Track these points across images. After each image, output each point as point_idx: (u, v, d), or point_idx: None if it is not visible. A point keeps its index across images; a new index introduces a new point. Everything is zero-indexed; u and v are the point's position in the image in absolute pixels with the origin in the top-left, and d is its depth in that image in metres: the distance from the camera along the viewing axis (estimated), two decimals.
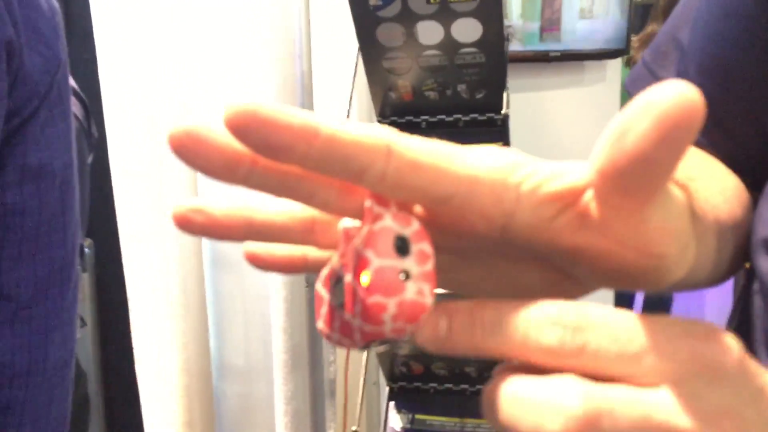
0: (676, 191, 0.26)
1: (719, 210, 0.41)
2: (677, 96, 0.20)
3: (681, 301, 2.07)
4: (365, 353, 1.20)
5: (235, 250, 1.62)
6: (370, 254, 0.23)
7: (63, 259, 0.65)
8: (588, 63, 1.82)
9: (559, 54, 1.67)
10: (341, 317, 0.25)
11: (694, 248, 0.28)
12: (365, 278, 0.23)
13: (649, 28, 2.71)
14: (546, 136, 1.85)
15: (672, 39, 0.55)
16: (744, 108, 0.50)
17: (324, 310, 0.26)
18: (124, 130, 1.40)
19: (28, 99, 0.60)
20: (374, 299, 0.23)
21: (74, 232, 0.66)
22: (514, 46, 1.67)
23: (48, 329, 0.63)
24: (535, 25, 1.63)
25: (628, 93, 0.60)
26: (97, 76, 1.37)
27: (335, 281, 0.25)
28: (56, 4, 0.66)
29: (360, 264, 0.23)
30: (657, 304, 2.04)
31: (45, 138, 0.62)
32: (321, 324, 0.26)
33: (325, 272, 0.26)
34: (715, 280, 0.45)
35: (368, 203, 0.25)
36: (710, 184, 0.42)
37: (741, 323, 0.48)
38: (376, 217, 0.24)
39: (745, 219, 0.46)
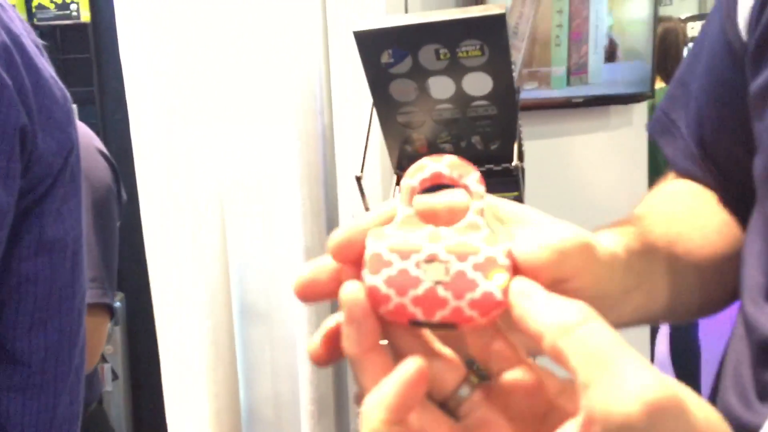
0: (609, 251, 0.33)
1: (692, 250, 0.47)
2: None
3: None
4: None
5: (263, 300, 1.64)
6: (500, 258, 0.28)
7: (71, 325, 0.68)
8: (613, 107, 1.82)
9: (581, 99, 1.67)
10: (427, 291, 0.28)
11: (636, 288, 0.36)
12: (501, 278, 0.27)
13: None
14: (572, 181, 1.84)
15: (682, 84, 0.58)
16: (732, 145, 0.53)
17: (389, 272, 0.28)
18: (154, 188, 1.44)
19: (43, 178, 0.65)
20: (495, 292, 0.27)
21: (82, 298, 0.70)
22: (542, 92, 1.68)
23: (57, 393, 0.66)
24: (561, 69, 1.64)
25: (649, 135, 0.63)
26: (129, 136, 1.43)
27: (426, 259, 0.28)
28: (67, 93, 0.71)
29: (488, 264, 0.28)
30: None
31: (60, 213, 0.66)
32: (380, 283, 0.28)
33: (397, 243, 0.29)
34: (704, 311, 0.48)
35: (474, 217, 0.29)
36: (688, 227, 0.49)
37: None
38: (476, 227, 0.29)
39: (731, 253, 0.50)
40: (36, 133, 0.62)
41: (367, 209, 1.11)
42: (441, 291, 0.27)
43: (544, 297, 0.26)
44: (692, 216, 0.53)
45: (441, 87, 1.08)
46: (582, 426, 0.24)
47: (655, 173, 2.15)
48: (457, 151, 1.15)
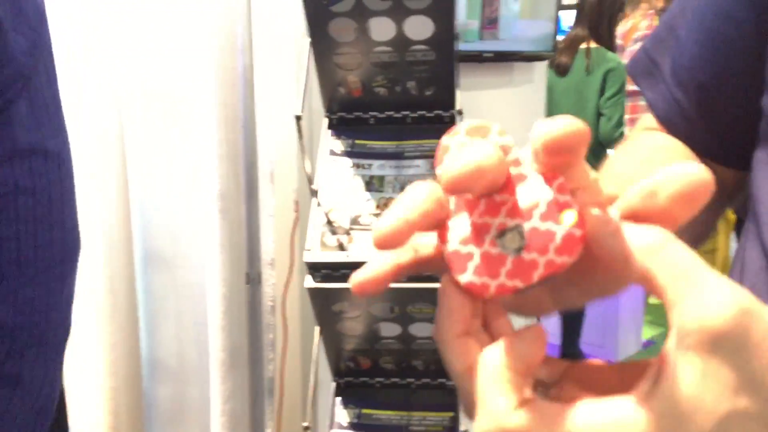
0: None
1: None
2: (698, 173, 0.27)
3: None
4: (314, 349, 1.19)
5: (168, 247, 1.57)
6: (559, 197, 0.28)
7: (63, 241, 0.64)
8: (517, 64, 1.87)
9: (492, 54, 1.71)
10: (514, 261, 0.28)
11: None
12: (571, 216, 0.28)
13: (573, 32, 2.82)
14: None
15: (670, 28, 0.59)
16: (730, 95, 0.55)
17: (474, 263, 0.29)
18: None
19: (13, 80, 0.58)
20: (573, 232, 0.28)
21: (75, 212, 0.65)
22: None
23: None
24: (475, 23, 1.66)
25: (629, 74, 0.64)
26: None
27: (497, 234, 0.29)
28: None
29: (552, 209, 0.28)
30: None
31: (34, 120, 0.60)
32: (472, 277, 0.29)
33: (464, 234, 0.29)
34: None
35: (514, 170, 0.29)
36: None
37: None
38: (519, 178, 0.29)
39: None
40: (8, 31, 0.56)
41: (303, 151, 1.09)
42: (526, 255, 0.28)
43: (620, 223, 0.27)
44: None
45: (381, 29, 1.07)
46: (677, 343, 0.25)
47: None
48: (391, 95, 1.15)
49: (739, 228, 3.21)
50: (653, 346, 3.49)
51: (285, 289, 1.64)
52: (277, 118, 1.40)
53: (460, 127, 0.30)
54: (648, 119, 0.62)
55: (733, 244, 3.44)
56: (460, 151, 0.27)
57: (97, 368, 1.49)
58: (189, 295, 1.56)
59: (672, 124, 0.59)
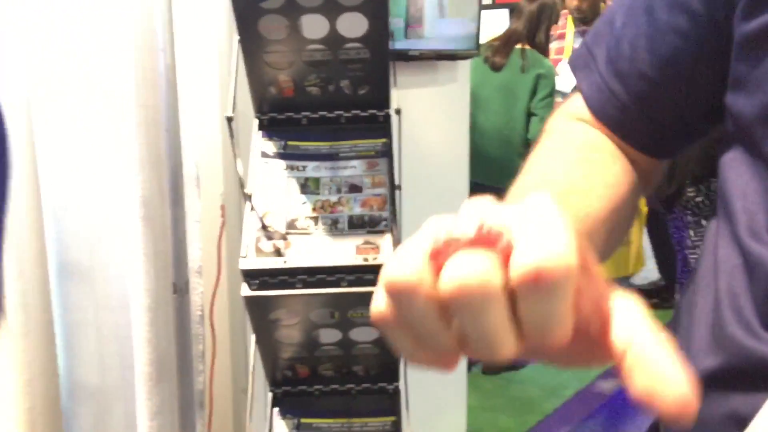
0: None
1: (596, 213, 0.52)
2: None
3: None
4: (250, 359, 1.15)
5: (86, 258, 1.48)
6: None
7: None
8: (441, 63, 1.87)
9: (418, 53, 1.70)
10: None
11: None
12: None
13: (511, 29, 2.86)
14: (404, 135, 1.88)
15: (608, 22, 0.59)
16: (675, 88, 0.56)
17: None
18: None
19: None
20: None
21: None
22: None
23: None
24: (400, 21, 1.65)
25: (570, 67, 0.63)
26: None
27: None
28: None
29: None
30: None
31: None
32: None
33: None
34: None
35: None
36: (592, 186, 0.54)
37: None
38: None
39: (625, 204, 0.56)
40: None
41: (235, 154, 1.04)
42: None
43: None
44: (594, 178, 0.56)
45: (314, 26, 1.04)
46: None
47: (474, 132, 2.26)
48: (324, 94, 1.12)
49: (650, 221, 3.33)
50: None
51: (213, 297, 1.59)
52: (202, 119, 1.34)
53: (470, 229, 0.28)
54: (576, 103, 0.61)
55: (645, 237, 3.58)
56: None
57: (11, 389, 1.40)
58: (110, 307, 1.48)
59: (605, 115, 0.59)
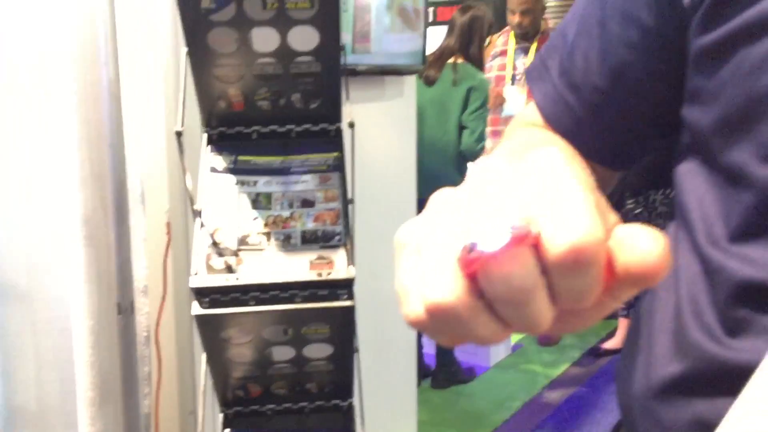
0: None
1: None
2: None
3: None
4: (201, 380, 1.11)
5: (23, 279, 1.43)
6: None
7: None
8: (388, 78, 1.87)
9: (366, 68, 1.70)
10: None
11: None
12: None
13: (444, 44, 2.89)
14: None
15: (561, 34, 0.60)
16: (628, 100, 0.56)
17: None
18: None
19: None
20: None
21: None
22: None
23: None
24: (348, 36, 1.65)
25: (526, 80, 0.64)
26: None
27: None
28: None
29: None
30: None
31: None
32: None
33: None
34: None
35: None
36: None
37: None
38: None
39: None
40: None
41: (185, 169, 1.02)
42: None
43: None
44: None
45: (264, 39, 1.03)
46: None
47: (421, 146, 2.26)
48: (274, 108, 1.10)
49: None
50: (521, 349, 3.63)
51: (158, 317, 1.54)
52: (146, 134, 1.30)
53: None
54: (531, 114, 0.62)
55: None
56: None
57: None
58: (50, 330, 1.42)
59: (560, 125, 0.60)
